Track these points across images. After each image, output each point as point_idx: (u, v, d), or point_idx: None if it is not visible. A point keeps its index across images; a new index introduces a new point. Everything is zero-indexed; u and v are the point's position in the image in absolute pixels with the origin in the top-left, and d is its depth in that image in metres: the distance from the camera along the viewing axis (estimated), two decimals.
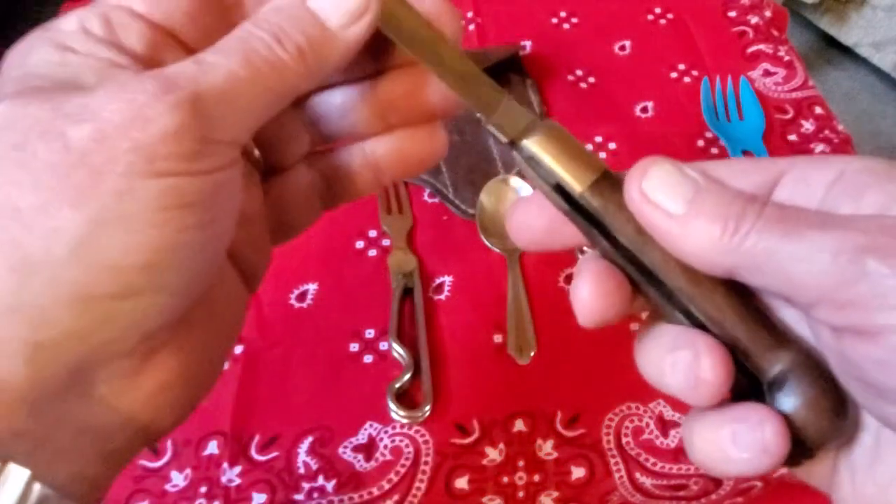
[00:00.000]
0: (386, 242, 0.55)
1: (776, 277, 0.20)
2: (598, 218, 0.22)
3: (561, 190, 0.23)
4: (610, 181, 0.22)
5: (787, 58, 0.70)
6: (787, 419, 0.20)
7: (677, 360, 0.21)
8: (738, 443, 0.20)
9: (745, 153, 0.62)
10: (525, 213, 0.24)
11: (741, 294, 0.22)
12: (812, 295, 0.19)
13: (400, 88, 0.26)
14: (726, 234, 0.20)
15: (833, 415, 0.21)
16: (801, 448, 0.21)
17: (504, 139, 0.24)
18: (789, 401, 0.21)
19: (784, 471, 0.23)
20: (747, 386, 0.22)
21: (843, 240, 0.19)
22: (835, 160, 0.21)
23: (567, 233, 0.23)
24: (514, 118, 0.24)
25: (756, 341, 0.21)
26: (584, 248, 0.25)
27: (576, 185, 0.22)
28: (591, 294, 0.22)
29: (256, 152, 0.26)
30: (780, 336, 0.22)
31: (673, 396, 0.22)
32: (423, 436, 0.46)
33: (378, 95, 0.26)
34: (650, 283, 0.22)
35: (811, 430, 0.20)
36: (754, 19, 0.74)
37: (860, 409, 0.21)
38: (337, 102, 0.26)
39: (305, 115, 0.27)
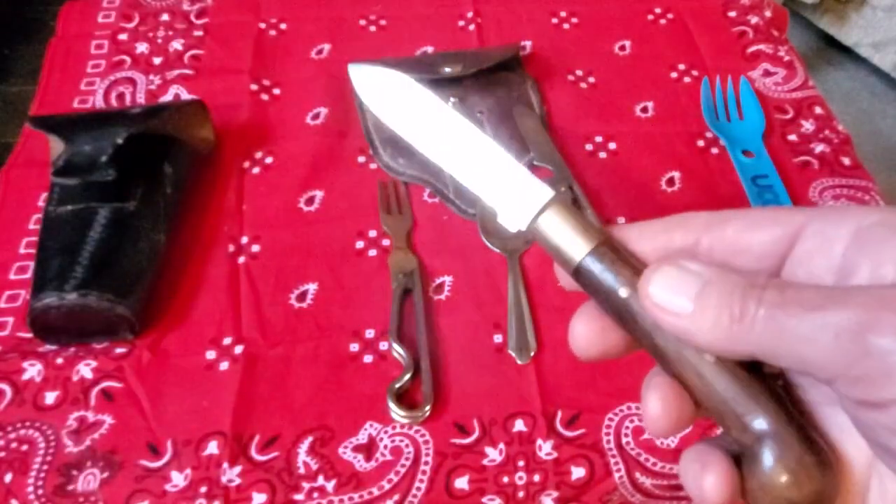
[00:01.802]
0: (386, 242, 0.55)
1: (791, 358, 0.21)
2: (598, 287, 0.24)
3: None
4: (604, 250, 0.24)
5: (787, 58, 0.70)
6: (766, 479, 0.22)
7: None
8: (690, 479, 0.23)
9: (745, 153, 0.62)
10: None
11: (736, 366, 0.23)
12: (826, 372, 0.20)
13: None
14: (734, 324, 0.21)
15: (798, 479, 0.21)
16: None
17: (512, 230, 0.26)
18: (763, 463, 0.22)
19: None
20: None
21: (842, 319, 0.19)
22: (851, 213, 0.22)
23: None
24: (523, 200, 0.26)
25: (729, 413, 0.23)
26: None
27: (572, 259, 0.25)
28: (585, 331, 0.25)
29: None
30: (758, 405, 0.22)
31: None
32: (423, 436, 0.46)
33: None
34: (647, 343, 0.24)
35: (778, 492, 0.22)
36: (754, 19, 0.74)
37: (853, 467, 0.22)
38: None
39: None
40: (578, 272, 0.25)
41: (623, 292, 0.24)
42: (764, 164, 0.61)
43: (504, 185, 0.27)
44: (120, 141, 0.51)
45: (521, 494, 0.45)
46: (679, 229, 0.25)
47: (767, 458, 0.22)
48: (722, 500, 0.22)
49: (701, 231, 0.24)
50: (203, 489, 0.44)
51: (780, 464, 0.21)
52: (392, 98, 0.29)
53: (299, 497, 0.44)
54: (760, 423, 0.22)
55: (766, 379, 0.23)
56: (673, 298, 0.22)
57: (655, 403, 0.24)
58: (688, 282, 0.22)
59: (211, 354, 0.49)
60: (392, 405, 0.46)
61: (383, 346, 0.50)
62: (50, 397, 0.47)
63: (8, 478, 0.44)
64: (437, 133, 0.28)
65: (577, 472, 0.45)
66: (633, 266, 0.24)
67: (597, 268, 0.24)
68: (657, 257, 0.25)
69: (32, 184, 0.57)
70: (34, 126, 0.55)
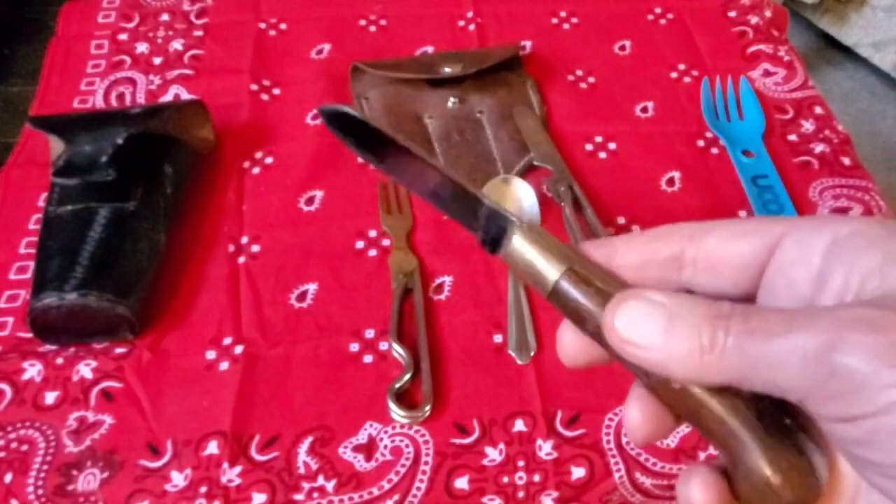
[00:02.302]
0: (386, 242, 0.55)
1: (762, 383, 0.21)
2: (573, 311, 0.24)
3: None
4: (569, 276, 0.24)
5: (787, 58, 0.70)
6: (747, 488, 0.22)
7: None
8: (681, 499, 0.23)
9: (745, 153, 0.62)
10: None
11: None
12: (798, 393, 0.21)
13: None
14: (704, 355, 0.21)
15: (780, 484, 0.22)
16: None
17: (490, 252, 0.26)
18: (752, 467, 0.22)
19: None
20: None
21: (807, 342, 0.20)
22: (829, 223, 0.23)
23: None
24: (492, 233, 0.26)
25: (710, 423, 0.23)
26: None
27: (546, 284, 0.25)
28: (573, 339, 0.25)
29: None
30: (736, 414, 0.23)
31: None
32: (423, 436, 0.46)
33: None
34: (624, 363, 0.24)
35: (762, 499, 0.22)
36: (754, 19, 0.74)
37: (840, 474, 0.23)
38: None
39: None
40: (551, 298, 0.25)
41: (593, 317, 0.24)
42: (764, 164, 0.61)
43: (467, 216, 0.27)
44: (120, 141, 0.51)
45: (521, 494, 0.45)
46: (664, 240, 0.25)
47: (750, 466, 0.22)
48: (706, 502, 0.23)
49: (685, 242, 0.24)
50: (203, 489, 0.44)
51: (764, 471, 0.22)
52: (358, 135, 0.29)
53: (299, 497, 0.44)
54: (742, 431, 0.22)
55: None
56: (640, 332, 0.22)
57: (636, 413, 0.24)
58: (654, 314, 0.22)
59: (211, 354, 0.49)
60: (392, 405, 0.46)
61: (383, 346, 0.50)
62: (50, 397, 0.47)
63: (8, 478, 0.44)
64: (396, 168, 0.28)
65: (577, 472, 0.45)
66: (602, 292, 0.24)
67: (567, 294, 0.24)
68: (643, 269, 0.25)
69: (32, 184, 0.57)
70: (34, 126, 0.55)
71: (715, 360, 0.21)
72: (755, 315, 0.21)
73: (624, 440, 0.46)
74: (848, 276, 0.21)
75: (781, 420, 0.23)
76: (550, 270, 0.25)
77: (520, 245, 0.25)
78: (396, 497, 0.44)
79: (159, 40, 0.69)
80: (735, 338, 0.21)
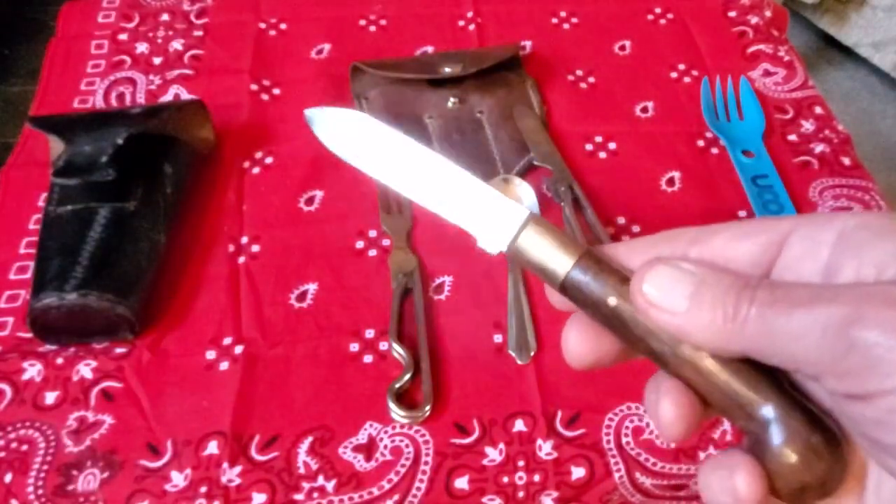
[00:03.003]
0: (386, 242, 0.55)
1: (782, 356, 0.21)
2: (585, 298, 0.25)
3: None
4: (586, 262, 0.24)
5: (787, 58, 0.70)
6: (776, 463, 0.22)
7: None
8: (717, 489, 0.22)
9: (745, 153, 0.62)
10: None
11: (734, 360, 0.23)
12: (815, 367, 0.21)
13: None
14: (727, 323, 0.22)
15: (807, 459, 0.22)
16: (791, 492, 0.22)
17: (494, 253, 0.27)
18: (772, 449, 0.22)
19: None
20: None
21: (829, 314, 0.20)
22: (835, 219, 0.23)
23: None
24: (500, 221, 0.26)
25: (733, 405, 0.23)
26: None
27: (557, 275, 0.25)
28: (578, 340, 0.26)
29: None
30: (758, 395, 0.23)
31: None
32: (423, 436, 0.46)
33: None
34: (642, 347, 0.24)
35: (790, 475, 0.22)
36: (754, 19, 0.74)
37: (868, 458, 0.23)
38: None
39: None
40: (565, 286, 0.25)
41: (612, 301, 0.24)
42: (764, 164, 0.61)
43: (479, 210, 0.27)
44: (120, 141, 0.51)
45: (521, 494, 0.45)
46: (667, 244, 0.25)
47: (776, 443, 0.22)
48: (758, 498, 0.22)
49: (688, 246, 0.25)
50: (203, 489, 0.44)
51: (789, 447, 0.22)
52: (354, 138, 0.29)
53: (299, 497, 0.44)
54: (766, 411, 0.22)
55: (765, 367, 0.24)
56: (667, 297, 0.23)
57: (669, 408, 0.24)
58: (682, 280, 0.23)
59: (211, 354, 0.49)
60: (392, 405, 0.46)
61: (383, 346, 0.50)
62: (50, 397, 0.47)
63: (8, 478, 0.44)
64: (405, 167, 0.28)
65: (577, 472, 0.45)
66: (619, 274, 0.24)
67: (583, 279, 0.24)
68: None
69: (32, 184, 0.57)
70: (34, 126, 0.55)
71: (737, 328, 0.21)
72: (780, 287, 0.22)
73: (624, 440, 0.46)
74: (860, 268, 0.21)
75: (804, 401, 0.23)
76: (564, 258, 0.25)
77: (532, 235, 0.25)
78: (396, 497, 0.44)
79: (159, 40, 0.69)
80: (758, 307, 0.21)
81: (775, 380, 0.23)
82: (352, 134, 0.29)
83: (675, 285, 0.23)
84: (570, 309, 0.26)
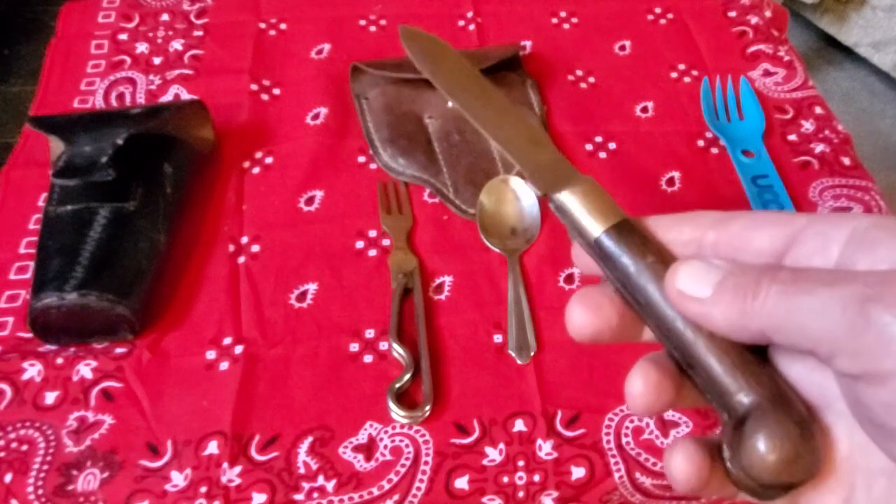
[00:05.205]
0: (386, 242, 0.55)
1: (797, 334, 0.22)
2: (615, 259, 0.26)
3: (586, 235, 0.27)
4: (623, 228, 0.26)
5: (787, 58, 0.70)
6: (751, 450, 0.22)
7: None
8: (668, 467, 0.24)
9: (745, 153, 0.62)
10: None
11: (729, 342, 0.24)
12: (829, 347, 0.21)
13: None
14: (748, 301, 0.22)
15: (782, 453, 0.22)
16: (763, 485, 0.23)
17: (538, 193, 0.28)
18: (747, 436, 0.22)
19: None
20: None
21: (849, 293, 0.21)
22: (848, 218, 0.24)
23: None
24: (553, 174, 0.28)
25: (719, 387, 0.24)
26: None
27: (592, 231, 0.26)
28: (581, 311, 0.26)
29: None
30: (748, 381, 0.23)
31: None
32: (423, 436, 0.46)
33: None
34: (649, 318, 0.25)
35: (759, 467, 0.22)
36: (754, 19, 0.74)
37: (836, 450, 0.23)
38: None
39: None
40: (599, 243, 0.26)
41: (639, 265, 0.25)
42: (764, 164, 0.61)
43: (538, 154, 0.29)
44: (120, 141, 0.51)
45: (521, 494, 0.45)
46: (689, 224, 0.26)
47: (752, 430, 0.22)
48: (684, 475, 0.24)
49: (708, 227, 0.26)
50: (203, 489, 0.44)
51: (764, 435, 0.22)
52: (443, 66, 0.32)
53: (299, 497, 0.44)
54: (748, 396, 0.23)
55: (761, 360, 0.24)
56: (695, 286, 0.24)
57: (638, 382, 0.25)
58: (712, 271, 0.24)
59: (211, 354, 0.49)
60: (392, 405, 0.46)
61: (383, 346, 0.50)
62: (50, 397, 0.47)
63: (8, 478, 0.44)
64: (477, 99, 0.30)
65: (577, 472, 0.45)
66: (650, 242, 0.26)
67: (616, 240, 0.26)
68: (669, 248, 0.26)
69: (32, 184, 0.57)
70: (34, 126, 0.55)
71: (757, 305, 0.22)
72: (803, 270, 0.23)
73: (624, 440, 0.46)
74: (874, 264, 0.22)
75: (787, 394, 0.23)
76: (603, 218, 0.26)
77: (580, 192, 0.27)
78: (396, 497, 0.44)
79: (159, 40, 0.69)
80: (780, 285, 0.22)
81: (766, 369, 0.24)
82: (443, 64, 0.32)
83: (704, 276, 0.24)
84: (592, 271, 0.27)
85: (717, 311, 0.23)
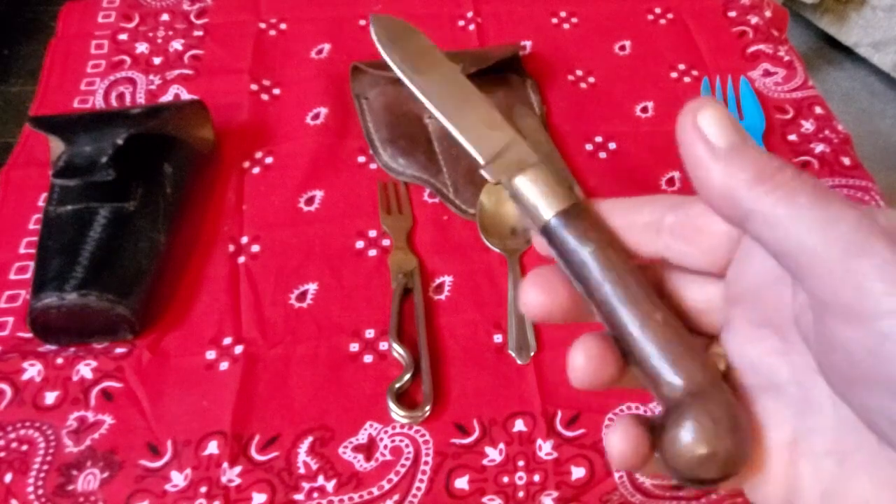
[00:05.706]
0: (386, 242, 0.55)
1: (787, 237, 0.20)
2: (562, 244, 0.25)
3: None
4: (572, 212, 0.25)
5: (787, 58, 0.70)
6: (679, 436, 0.22)
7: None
8: (606, 444, 0.24)
9: None
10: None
11: (675, 324, 0.24)
12: (816, 262, 0.20)
13: None
14: (759, 180, 0.21)
15: (701, 449, 0.22)
16: (685, 478, 0.23)
17: (492, 180, 0.28)
18: (668, 430, 0.22)
19: None
20: None
21: (858, 216, 0.19)
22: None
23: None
24: (507, 160, 0.28)
25: (657, 371, 0.23)
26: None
27: (543, 214, 0.25)
28: (535, 291, 0.25)
29: None
30: (678, 372, 0.23)
31: None
32: (423, 436, 0.46)
33: None
34: (591, 302, 0.25)
35: (678, 461, 0.22)
36: (754, 19, 0.74)
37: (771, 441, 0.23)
38: None
39: None
40: (548, 229, 0.25)
41: (583, 250, 0.24)
42: None
43: (494, 139, 0.28)
44: (120, 141, 0.51)
45: (521, 494, 0.45)
46: (647, 206, 0.25)
47: (673, 424, 0.22)
48: (619, 452, 0.23)
49: (667, 210, 0.25)
50: (203, 489, 0.44)
51: (685, 430, 0.22)
52: (400, 46, 0.31)
53: (299, 497, 0.44)
54: (675, 388, 0.23)
55: (702, 347, 0.24)
56: (714, 130, 0.22)
57: (580, 356, 0.24)
58: (732, 128, 0.22)
59: (211, 354, 0.49)
60: (392, 405, 0.46)
61: (383, 346, 0.50)
62: (50, 397, 0.47)
63: (8, 478, 0.44)
64: (436, 83, 0.30)
65: (577, 472, 0.45)
66: (600, 228, 0.25)
67: (566, 225, 0.25)
68: (623, 233, 0.25)
69: (32, 184, 0.57)
70: (34, 126, 0.55)
71: (768, 189, 0.21)
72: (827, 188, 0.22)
73: None
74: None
75: (715, 388, 0.23)
76: (554, 202, 0.25)
77: (533, 175, 0.26)
78: (396, 497, 0.44)
79: (159, 40, 0.69)
80: (801, 183, 0.21)
81: (707, 359, 0.23)
82: (401, 43, 0.31)
83: (726, 128, 0.22)
84: (550, 255, 0.27)
85: (719, 169, 0.22)
